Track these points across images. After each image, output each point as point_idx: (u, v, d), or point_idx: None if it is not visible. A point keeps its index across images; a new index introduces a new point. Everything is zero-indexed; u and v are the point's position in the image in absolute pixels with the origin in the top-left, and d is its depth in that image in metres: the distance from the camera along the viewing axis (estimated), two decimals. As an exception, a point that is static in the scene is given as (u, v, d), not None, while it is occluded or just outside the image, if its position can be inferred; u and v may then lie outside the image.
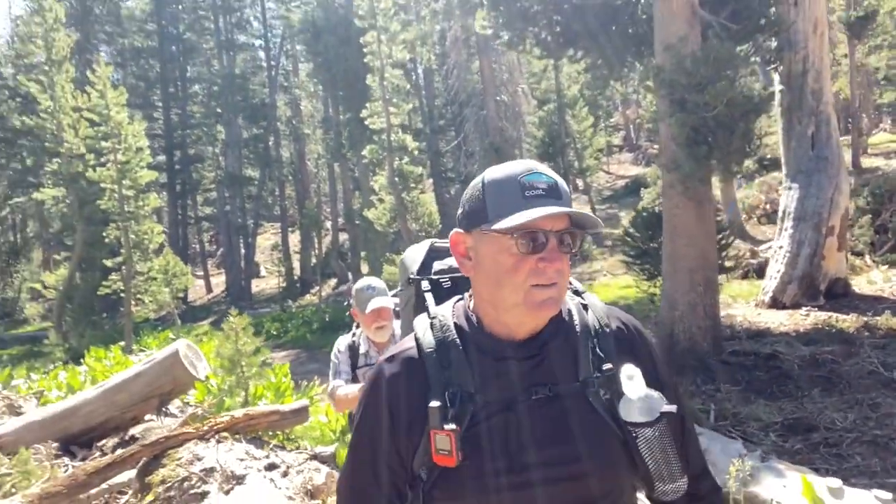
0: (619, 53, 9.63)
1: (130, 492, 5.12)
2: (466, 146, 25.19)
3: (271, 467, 5.24)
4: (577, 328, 1.15)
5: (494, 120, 23.24)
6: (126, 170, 16.21)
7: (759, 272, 11.52)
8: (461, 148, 26.13)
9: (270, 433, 5.86)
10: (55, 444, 6.02)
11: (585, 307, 1.19)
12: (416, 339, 1.15)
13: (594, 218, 1.08)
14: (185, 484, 4.83)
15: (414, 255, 1.46)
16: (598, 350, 1.13)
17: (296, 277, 31.75)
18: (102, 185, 16.27)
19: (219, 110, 33.23)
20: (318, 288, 28.84)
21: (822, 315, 8.79)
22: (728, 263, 9.68)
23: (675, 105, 6.61)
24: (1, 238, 44.55)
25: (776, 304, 9.80)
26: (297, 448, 5.91)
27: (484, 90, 23.63)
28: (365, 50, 11.63)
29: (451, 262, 1.39)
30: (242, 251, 34.21)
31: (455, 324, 1.15)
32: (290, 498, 5.00)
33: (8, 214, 42.21)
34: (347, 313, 3.19)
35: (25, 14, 24.54)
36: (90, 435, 6.37)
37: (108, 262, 16.40)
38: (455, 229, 1.16)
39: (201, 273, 39.65)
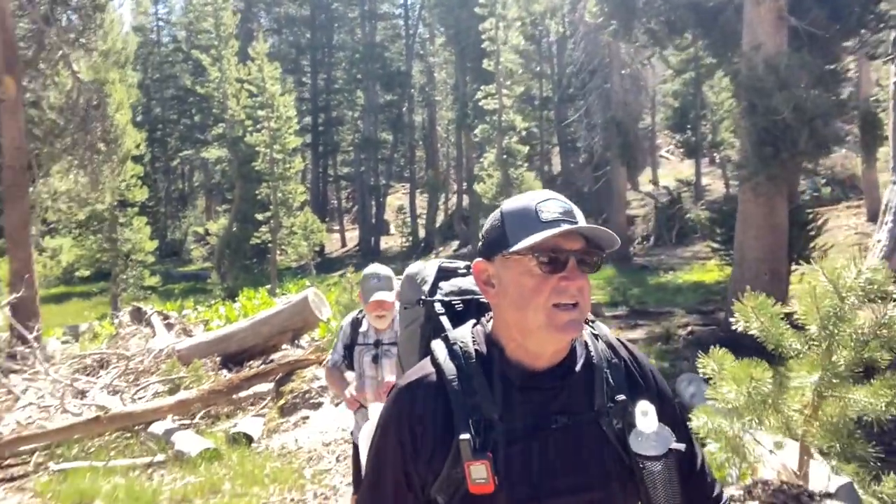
0: (722, 46, 9.98)
1: (269, 397, 6.88)
2: (588, 118, 25.50)
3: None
4: (593, 358, 1.17)
5: (619, 94, 23.33)
6: (277, 136, 18.54)
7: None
8: (582, 120, 26.45)
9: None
10: (217, 359, 7.97)
11: (597, 337, 1.22)
12: (437, 365, 1.15)
13: (611, 234, 1.11)
14: (307, 395, 6.52)
15: (423, 275, 1.44)
16: (610, 380, 1.16)
17: (420, 238, 33.74)
18: (257, 148, 18.72)
19: (359, 77, 35.56)
20: (440, 249, 30.65)
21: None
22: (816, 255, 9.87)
23: (748, 107, 7.16)
24: (171, 186, 50.82)
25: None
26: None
27: (610, 63, 23.74)
28: (483, 36, 12.67)
29: (458, 283, 1.39)
30: (374, 210, 36.74)
31: (476, 350, 1.16)
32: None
33: (178, 165, 47.94)
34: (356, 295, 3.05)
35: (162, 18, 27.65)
36: (241, 356, 8.29)
37: (259, 216, 18.95)
38: (477, 259, 1.19)
39: (338, 228, 43.12)
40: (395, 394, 1.17)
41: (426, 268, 1.45)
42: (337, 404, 5.90)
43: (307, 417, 6.18)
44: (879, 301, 2.12)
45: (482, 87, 12.66)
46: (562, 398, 1.13)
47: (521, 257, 1.09)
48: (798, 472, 2.15)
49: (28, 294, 9.13)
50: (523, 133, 12.86)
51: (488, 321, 1.20)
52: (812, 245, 9.94)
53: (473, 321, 1.23)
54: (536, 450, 1.10)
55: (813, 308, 2.14)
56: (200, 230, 27.95)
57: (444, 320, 1.29)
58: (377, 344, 3.15)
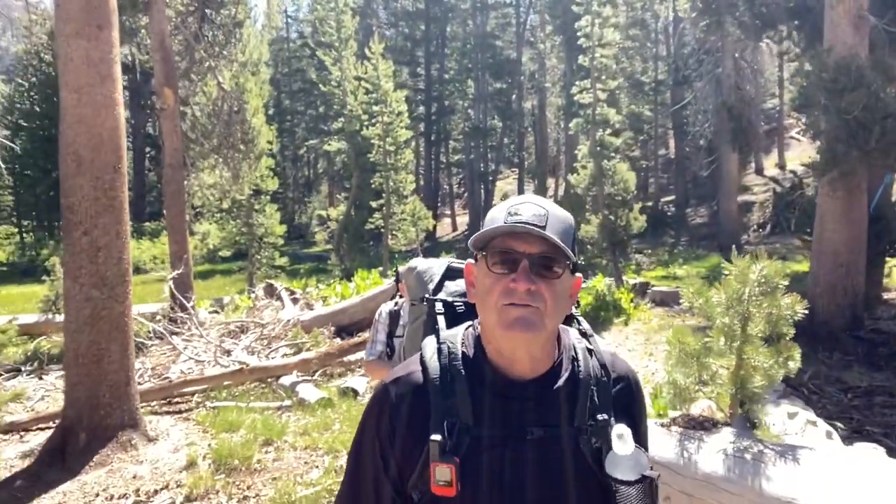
0: (817, 39, 10.07)
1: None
2: (696, 104, 25.04)
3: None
4: (581, 374, 1.15)
5: (730, 78, 22.81)
6: (389, 130, 20.04)
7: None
8: (695, 104, 25.96)
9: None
10: (332, 329, 9.41)
11: (590, 352, 1.20)
12: (423, 364, 1.15)
13: (561, 246, 1.08)
14: (403, 360, 7.69)
15: (431, 273, 1.44)
16: (595, 398, 1.15)
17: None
18: (372, 141, 20.33)
19: (470, 66, 36.64)
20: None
21: None
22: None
23: (823, 106, 7.47)
24: (298, 173, 54.71)
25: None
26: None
27: (721, 46, 23.24)
28: (579, 33, 13.27)
29: (464, 283, 1.36)
30: (483, 196, 37.88)
31: (463, 353, 1.16)
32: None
33: (304, 154, 51.53)
34: (397, 284, 3.22)
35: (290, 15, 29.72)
36: (352, 327, 9.69)
37: (373, 204, 20.60)
38: (469, 260, 1.20)
39: (449, 213, 44.76)
40: (380, 388, 1.17)
41: (434, 266, 1.47)
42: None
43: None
44: (771, 291, 2.84)
45: (577, 83, 13.28)
46: (540, 410, 1.11)
47: (483, 257, 1.11)
48: (726, 412, 2.93)
49: (185, 271, 11.07)
50: (616, 125, 13.30)
51: (480, 324, 1.19)
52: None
53: (468, 323, 1.23)
54: (508, 459, 1.09)
55: (733, 295, 2.91)
56: (324, 214, 30.31)
57: (441, 320, 1.28)
58: None
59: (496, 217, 1.12)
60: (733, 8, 10.52)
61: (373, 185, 21.09)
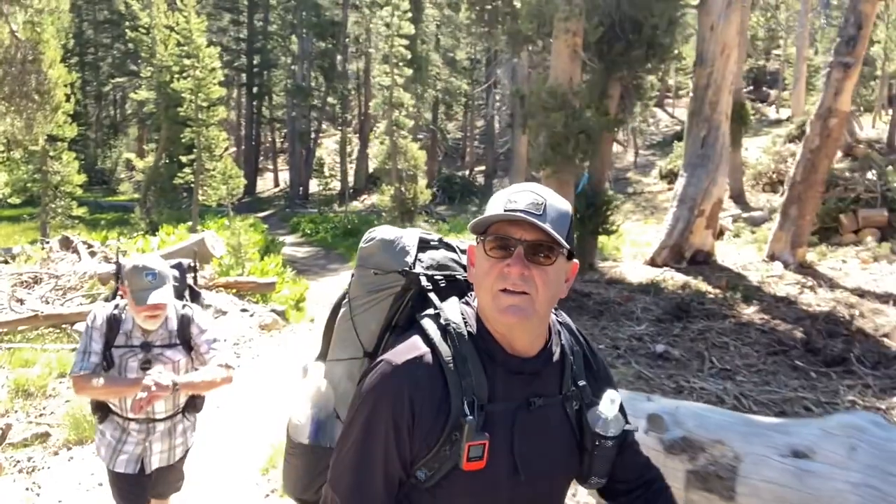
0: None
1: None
2: (500, 88, 27.80)
3: (244, 311, 9.30)
4: (565, 346, 1.30)
5: (524, 67, 25.66)
6: (201, 85, 20.16)
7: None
8: (493, 89, 28.72)
9: (252, 294, 9.88)
10: (130, 281, 10.22)
11: (561, 324, 1.34)
12: (432, 345, 1.19)
13: (555, 236, 1.13)
14: (193, 309, 8.89)
15: (403, 243, 1.37)
16: (573, 366, 1.30)
17: (350, 184, 35.77)
18: (182, 95, 20.34)
19: (294, 23, 36.58)
20: (364, 197, 32.87)
21: (666, 273, 11.91)
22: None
23: (539, 121, 9.77)
24: (103, 113, 50.58)
25: (654, 263, 12.89)
26: (263, 303, 9.89)
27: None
28: (380, 22, 14.81)
29: (435, 256, 1.38)
30: (304, 153, 38.40)
31: (468, 331, 1.21)
32: (251, 327, 9.02)
33: (110, 91, 47.74)
34: (119, 291, 2.78)
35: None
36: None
37: (184, 158, 20.73)
38: (471, 243, 1.27)
39: (272, 167, 44.58)
40: (391, 370, 1.18)
41: (405, 236, 1.38)
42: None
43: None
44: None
45: (377, 66, 14.85)
46: (538, 381, 1.23)
47: (481, 242, 1.18)
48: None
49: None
50: (409, 108, 15.15)
51: (474, 300, 1.26)
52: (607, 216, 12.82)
53: (457, 299, 1.28)
54: (518, 428, 1.20)
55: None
56: (132, 160, 29.14)
57: (434, 297, 1.29)
58: (146, 346, 2.72)
59: (496, 204, 1.17)
60: (500, 22, 12.62)
61: (183, 140, 21.14)
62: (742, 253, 14.07)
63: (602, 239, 13.18)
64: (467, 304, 1.26)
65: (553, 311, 1.29)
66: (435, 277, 1.34)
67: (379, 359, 1.23)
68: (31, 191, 19.26)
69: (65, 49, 33.69)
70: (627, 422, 1.32)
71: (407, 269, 1.33)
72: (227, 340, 2.93)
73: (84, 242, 12.29)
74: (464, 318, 1.23)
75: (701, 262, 12.84)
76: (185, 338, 2.79)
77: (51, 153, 18.92)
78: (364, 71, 38.83)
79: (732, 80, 12.77)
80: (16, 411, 5.71)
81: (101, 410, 2.78)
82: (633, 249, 15.43)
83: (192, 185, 20.90)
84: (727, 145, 12.98)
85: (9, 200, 19.95)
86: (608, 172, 12.78)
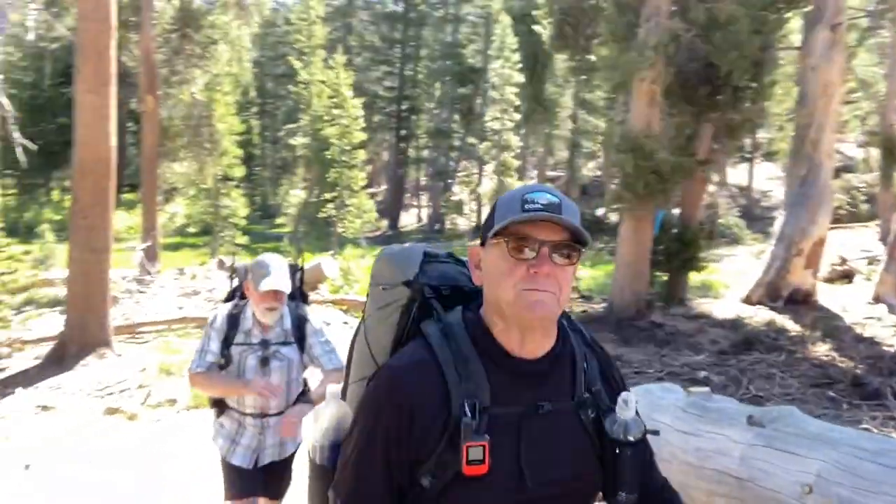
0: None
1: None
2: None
3: (345, 323, 10.94)
4: (576, 350, 1.25)
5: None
6: (345, 132, 22.94)
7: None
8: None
9: (355, 311, 11.52)
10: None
11: (573, 330, 1.30)
12: (431, 349, 1.18)
13: (584, 233, 1.14)
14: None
15: (408, 257, 1.40)
16: (587, 372, 1.25)
17: (481, 220, 37.53)
18: (330, 140, 23.24)
19: (437, 70, 39.53)
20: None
21: (757, 311, 11.87)
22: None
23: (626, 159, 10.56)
24: (277, 154, 57.32)
25: (748, 301, 12.83)
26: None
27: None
28: (492, 75, 16.24)
29: (441, 269, 1.38)
30: (443, 190, 40.81)
31: (469, 335, 1.20)
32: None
33: (284, 136, 54.09)
34: (235, 284, 3.07)
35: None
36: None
37: (327, 195, 23.52)
38: (471, 244, 1.38)
39: (416, 204, 47.76)
40: (391, 375, 1.19)
41: (409, 250, 1.43)
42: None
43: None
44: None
45: (488, 112, 16.30)
46: (546, 386, 1.19)
47: (498, 241, 1.14)
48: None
49: (152, 244, 13.95)
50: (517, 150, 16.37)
51: (479, 308, 1.24)
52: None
53: (462, 307, 1.26)
54: (525, 434, 1.16)
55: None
56: (289, 195, 32.95)
57: (436, 304, 1.29)
58: (264, 344, 2.88)
59: (510, 205, 1.16)
60: (592, 71, 13.53)
61: (328, 179, 23.97)
62: (857, 295, 13.47)
63: (701, 275, 13.36)
64: (471, 310, 1.25)
65: (563, 316, 1.28)
66: (439, 287, 1.33)
67: (382, 365, 1.25)
68: (205, 222, 22.91)
69: (246, 99, 38.84)
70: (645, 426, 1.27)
71: (410, 279, 1.34)
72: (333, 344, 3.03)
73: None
74: (465, 322, 1.22)
75: (799, 302, 12.57)
76: (299, 336, 2.92)
77: (222, 191, 22.46)
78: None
79: (834, 120, 12.56)
80: (160, 383, 7.62)
81: (219, 405, 2.96)
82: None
83: (334, 219, 23.61)
84: (829, 185, 12.70)
85: (188, 229, 23.84)
86: (698, 211, 13.03)
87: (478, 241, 1.25)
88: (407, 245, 1.49)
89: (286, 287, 2.78)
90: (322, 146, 24.67)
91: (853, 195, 25.64)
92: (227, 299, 3.06)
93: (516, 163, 15.88)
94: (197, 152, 15.37)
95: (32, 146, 10.09)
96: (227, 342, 2.85)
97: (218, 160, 16.28)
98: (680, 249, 12.42)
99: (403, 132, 44.73)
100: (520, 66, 15.91)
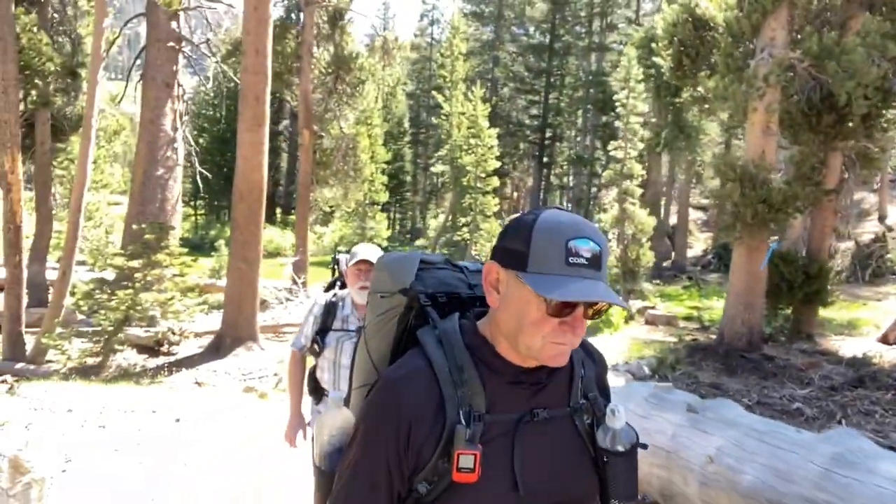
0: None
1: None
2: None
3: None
4: (573, 357, 1.24)
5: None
6: (481, 160, 24.23)
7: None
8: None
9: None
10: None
11: None
12: (427, 357, 1.18)
13: (620, 301, 1.11)
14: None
15: (404, 265, 1.38)
16: (584, 378, 1.26)
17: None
18: (467, 168, 24.65)
19: (579, 98, 39.94)
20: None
21: (889, 351, 11.14)
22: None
23: (733, 187, 10.65)
24: (427, 180, 60.70)
25: (885, 340, 12.00)
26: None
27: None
28: (617, 103, 16.64)
29: (438, 276, 1.36)
30: (583, 216, 40.85)
31: (466, 343, 1.19)
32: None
33: (434, 163, 57.12)
34: (334, 271, 3.24)
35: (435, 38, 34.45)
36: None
37: (462, 219, 24.87)
38: (490, 260, 1.20)
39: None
40: (387, 385, 1.18)
41: (406, 259, 1.41)
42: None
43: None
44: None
45: (612, 141, 16.69)
46: (543, 393, 1.19)
47: (546, 302, 1.09)
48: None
49: (301, 259, 15.96)
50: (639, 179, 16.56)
51: (476, 318, 1.24)
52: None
53: (458, 315, 1.25)
54: (519, 441, 1.15)
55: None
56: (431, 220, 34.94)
57: (432, 312, 1.28)
58: (360, 331, 2.56)
59: (552, 249, 1.09)
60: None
61: (464, 204, 25.37)
62: None
63: (852, 312, 12.69)
64: (468, 319, 1.24)
65: None
66: (436, 295, 1.32)
67: (378, 376, 1.25)
68: (353, 241, 25.21)
69: (400, 129, 41.61)
70: (638, 437, 1.26)
71: (406, 287, 1.33)
72: None
73: (370, 280, 16.53)
74: (462, 330, 1.21)
75: (943, 345, 11.57)
76: None
77: (368, 213, 24.63)
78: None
79: None
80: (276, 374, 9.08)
81: (318, 392, 3.07)
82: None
83: (468, 242, 24.89)
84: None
85: (339, 248, 26.35)
86: (826, 241, 12.48)
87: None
88: (405, 252, 1.48)
89: (375, 257, 2.80)
90: (460, 173, 26.18)
91: None
92: (328, 288, 3.20)
93: (639, 190, 16.05)
94: (343, 179, 17.32)
95: (209, 175, 12.18)
96: (324, 328, 2.97)
97: (360, 186, 18.18)
98: (804, 282, 12.00)
99: (546, 159, 45.53)
100: (644, 96, 16.16)
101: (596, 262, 1.10)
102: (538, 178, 46.28)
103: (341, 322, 2.98)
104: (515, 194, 53.99)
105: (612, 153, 16.75)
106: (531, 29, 46.05)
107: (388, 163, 29.88)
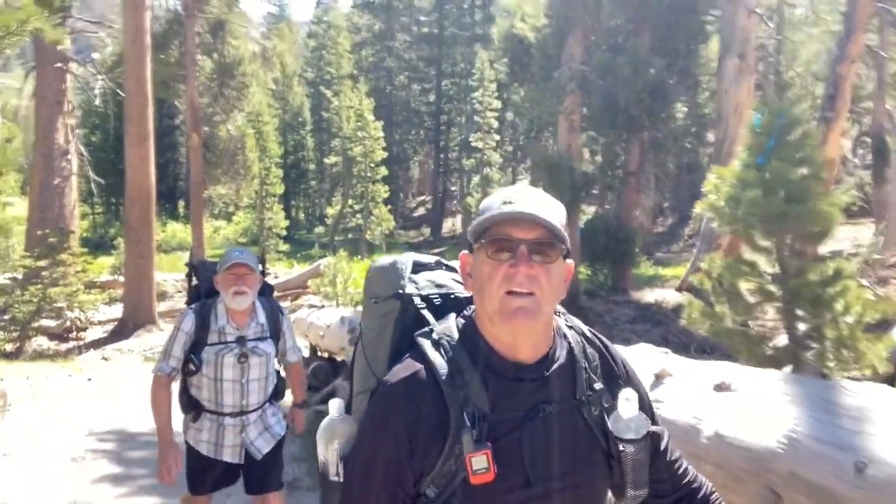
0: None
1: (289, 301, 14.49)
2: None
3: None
4: (575, 349, 1.23)
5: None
6: (369, 151, 26.29)
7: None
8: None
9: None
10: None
11: (571, 328, 1.27)
12: (426, 360, 1.17)
13: (558, 229, 1.11)
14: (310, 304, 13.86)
15: (397, 268, 1.38)
16: (587, 370, 1.22)
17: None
18: (357, 158, 26.65)
19: (466, 86, 42.53)
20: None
21: (681, 297, 14.21)
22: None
23: (547, 174, 13.29)
24: (333, 169, 61.98)
25: (679, 289, 15.16)
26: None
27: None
28: (475, 98, 19.07)
29: (431, 277, 1.37)
30: (481, 198, 43.74)
31: (463, 343, 1.18)
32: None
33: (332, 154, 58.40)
34: (191, 278, 3.02)
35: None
36: (295, 289, 15.96)
37: (355, 206, 26.84)
38: (463, 251, 1.24)
39: (455, 210, 50.84)
40: (386, 392, 1.17)
41: (399, 261, 1.41)
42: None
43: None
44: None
45: (473, 133, 19.19)
46: (546, 388, 1.17)
47: (480, 246, 1.13)
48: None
49: (198, 252, 17.62)
50: (497, 167, 19.16)
51: (471, 314, 1.23)
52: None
53: (454, 314, 1.25)
54: (526, 438, 1.14)
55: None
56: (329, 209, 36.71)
57: (427, 314, 1.29)
58: (241, 341, 2.80)
59: (491, 206, 1.15)
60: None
61: (355, 192, 27.38)
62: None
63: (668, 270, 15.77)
64: (464, 317, 1.24)
65: (562, 314, 1.28)
66: (430, 297, 1.32)
67: (378, 382, 1.23)
68: (253, 233, 26.78)
69: (298, 120, 42.30)
70: (656, 423, 1.26)
71: (400, 291, 1.33)
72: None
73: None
74: (459, 330, 1.20)
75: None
76: (275, 330, 2.91)
77: (266, 206, 26.21)
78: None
79: (744, 135, 14.76)
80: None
81: (195, 409, 2.85)
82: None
83: (361, 226, 27.01)
84: (743, 188, 14.89)
85: (239, 240, 27.81)
86: (633, 213, 15.49)
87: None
88: (396, 256, 1.45)
89: (250, 261, 2.74)
90: (351, 164, 28.15)
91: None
92: (191, 301, 2.96)
93: (498, 176, 18.67)
94: (234, 177, 19.00)
95: (102, 181, 13.71)
96: (198, 344, 2.76)
97: (251, 183, 19.92)
98: (616, 246, 14.95)
99: (442, 143, 47.96)
100: (496, 94, 18.73)
101: (533, 207, 1.11)
102: (436, 163, 48.72)
103: (217, 335, 2.79)
104: (420, 176, 56.30)
105: (472, 144, 19.25)
106: (421, 18, 48.11)
107: (286, 154, 31.37)
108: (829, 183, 14.08)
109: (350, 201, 29.22)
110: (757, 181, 3.11)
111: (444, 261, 1.42)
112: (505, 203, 1.12)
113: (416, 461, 1.13)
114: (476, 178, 19.64)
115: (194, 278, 2.99)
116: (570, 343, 1.23)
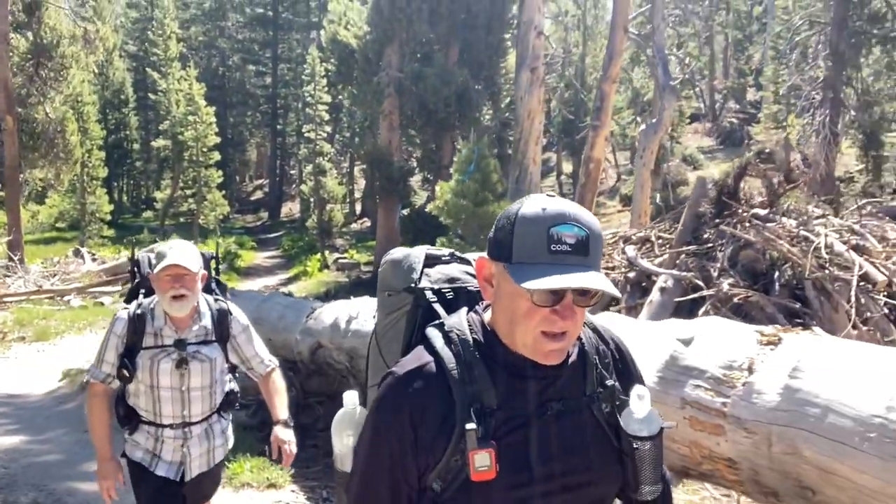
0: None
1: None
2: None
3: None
4: (586, 345, 1.23)
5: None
6: (201, 135, 26.31)
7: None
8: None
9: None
10: (106, 277, 15.94)
11: (586, 325, 1.27)
12: (435, 354, 1.17)
13: (609, 286, 1.09)
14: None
15: (410, 261, 1.38)
16: (599, 367, 1.23)
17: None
18: (188, 143, 26.56)
19: (302, 72, 43.04)
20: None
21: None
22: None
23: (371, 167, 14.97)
24: (161, 153, 58.81)
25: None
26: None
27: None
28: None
29: (445, 270, 1.38)
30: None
31: (474, 338, 1.18)
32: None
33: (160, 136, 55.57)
34: (134, 273, 2.75)
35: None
36: (123, 276, 16.27)
37: (188, 191, 26.84)
38: (483, 254, 1.20)
39: (294, 193, 50.95)
40: (393, 382, 1.17)
41: (412, 254, 1.40)
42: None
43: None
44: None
45: (305, 125, 20.39)
46: (555, 385, 1.17)
47: (530, 293, 1.08)
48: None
49: (16, 238, 17.19)
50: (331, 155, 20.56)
51: (484, 310, 1.22)
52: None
53: (466, 309, 1.25)
54: (533, 436, 1.14)
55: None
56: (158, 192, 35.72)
57: (439, 308, 1.29)
58: (180, 344, 2.57)
59: (533, 237, 1.09)
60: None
61: (187, 177, 27.25)
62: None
63: None
64: (476, 312, 1.24)
65: None
66: (442, 290, 1.33)
67: (386, 372, 1.23)
68: (74, 217, 25.73)
69: (121, 97, 39.99)
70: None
71: (413, 285, 1.33)
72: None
73: (90, 253, 18.23)
74: (470, 326, 1.20)
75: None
76: (222, 334, 2.69)
77: (88, 189, 25.34)
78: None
79: (536, 136, 17.60)
80: (16, 330, 11.23)
81: (131, 421, 2.66)
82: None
83: (195, 212, 27.00)
84: (536, 184, 17.71)
85: (56, 225, 26.57)
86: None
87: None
88: (410, 249, 1.46)
89: (190, 263, 2.46)
90: (182, 148, 27.87)
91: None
92: (129, 299, 2.74)
93: (329, 165, 20.09)
94: (53, 161, 18.55)
95: None
96: (132, 348, 2.55)
97: (72, 167, 19.51)
98: (431, 230, 17.10)
99: (280, 127, 47.83)
100: (326, 89, 20.08)
101: (582, 247, 1.08)
102: (273, 146, 48.54)
103: (154, 337, 2.58)
104: (257, 159, 55.44)
105: (306, 135, 20.47)
106: (254, -1, 47.41)
107: (108, 133, 30.15)
108: (594, 177, 17.40)
109: (181, 185, 28.93)
110: (461, 192, 4.97)
111: (457, 254, 1.44)
112: (553, 239, 1.07)
113: (421, 454, 1.14)
114: (309, 168, 20.90)
115: (137, 274, 2.76)
116: (581, 340, 1.23)
